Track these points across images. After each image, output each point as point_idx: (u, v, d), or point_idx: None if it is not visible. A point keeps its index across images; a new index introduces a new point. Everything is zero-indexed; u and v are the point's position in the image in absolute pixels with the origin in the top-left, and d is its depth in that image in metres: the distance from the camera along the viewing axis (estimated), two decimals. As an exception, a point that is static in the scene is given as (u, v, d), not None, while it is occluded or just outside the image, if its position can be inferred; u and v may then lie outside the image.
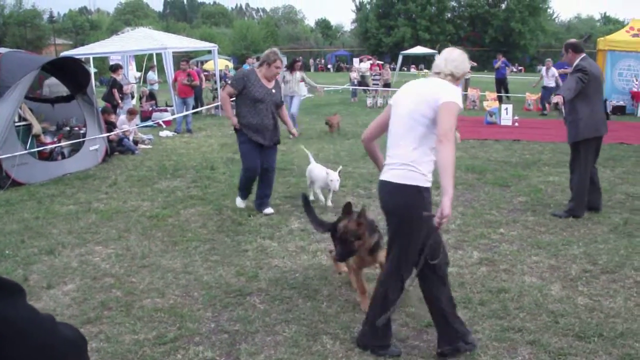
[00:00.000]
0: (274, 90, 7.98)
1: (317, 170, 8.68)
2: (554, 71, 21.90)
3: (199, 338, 4.60)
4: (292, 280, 5.78)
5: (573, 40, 8.17)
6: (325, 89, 29.89)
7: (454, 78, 4.22)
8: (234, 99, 8.11)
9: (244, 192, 8.36)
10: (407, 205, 4.05)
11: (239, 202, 8.41)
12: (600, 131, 7.84)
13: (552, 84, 21.43)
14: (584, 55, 7.84)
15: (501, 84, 25.59)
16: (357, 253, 4.88)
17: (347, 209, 5.04)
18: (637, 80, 21.23)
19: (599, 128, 7.81)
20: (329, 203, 8.54)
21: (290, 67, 16.20)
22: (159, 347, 4.45)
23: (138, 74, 24.24)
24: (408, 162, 4.01)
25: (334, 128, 16.48)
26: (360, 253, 4.89)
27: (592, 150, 7.90)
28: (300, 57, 16.17)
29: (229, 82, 8.73)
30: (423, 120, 3.98)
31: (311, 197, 8.45)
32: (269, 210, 8.16)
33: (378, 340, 4.28)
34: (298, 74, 16.33)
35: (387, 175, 4.18)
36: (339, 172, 8.57)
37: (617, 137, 15.11)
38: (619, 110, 21.39)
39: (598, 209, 8.04)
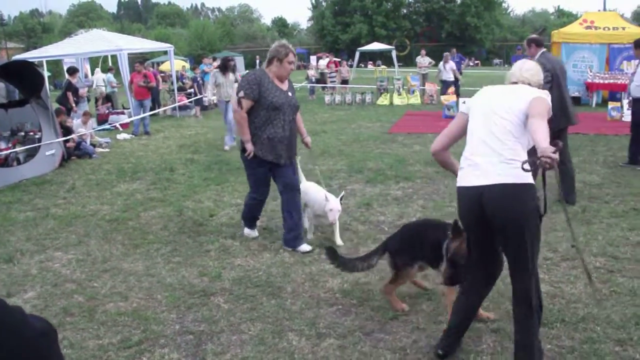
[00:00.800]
0: (290, 93, 6.55)
1: (313, 192, 6.96)
2: (452, 64, 22.81)
3: (164, 340, 4.58)
4: (255, 278, 5.78)
5: (534, 35, 8.37)
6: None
7: (530, 86, 4.06)
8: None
9: (252, 222, 7.08)
10: (531, 206, 3.73)
11: (249, 232, 7.07)
12: (572, 120, 8.10)
13: (451, 78, 22.61)
14: (543, 50, 8.03)
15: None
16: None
17: (456, 228, 4.36)
18: (591, 72, 21.62)
19: (570, 118, 8.05)
20: (338, 240, 6.67)
21: (223, 68, 13.96)
22: (124, 351, 4.42)
23: (105, 76, 23.81)
24: (510, 158, 3.73)
25: None
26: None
27: (565, 138, 8.12)
28: (233, 57, 14.80)
29: (241, 93, 6.28)
30: (522, 117, 3.77)
31: (309, 235, 7.03)
32: (305, 247, 6.52)
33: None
34: (231, 76, 13.90)
35: (492, 178, 3.73)
36: (341, 199, 6.81)
37: (572, 128, 15.24)
38: (575, 101, 21.61)
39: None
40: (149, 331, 4.71)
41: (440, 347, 4.13)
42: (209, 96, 12.76)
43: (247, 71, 6.34)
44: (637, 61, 11.10)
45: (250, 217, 7.01)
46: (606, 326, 4.57)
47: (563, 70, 8.16)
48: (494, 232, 3.85)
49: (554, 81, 7.77)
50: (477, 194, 3.77)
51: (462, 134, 4.12)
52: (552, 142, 3.35)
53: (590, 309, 4.91)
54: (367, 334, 4.60)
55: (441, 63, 23.37)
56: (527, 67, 4.20)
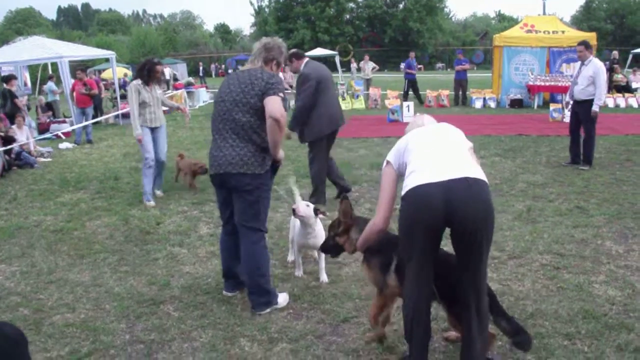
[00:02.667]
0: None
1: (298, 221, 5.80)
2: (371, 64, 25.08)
3: (114, 350, 4.51)
4: (205, 285, 5.75)
5: (293, 50, 8.70)
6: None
7: None
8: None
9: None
10: (493, 206, 3.69)
11: (285, 298, 5.33)
12: (336, 124, 8.58)
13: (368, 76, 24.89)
14: (306, 60, 8.48)
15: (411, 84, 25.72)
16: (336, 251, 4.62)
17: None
18: (532, 74, 22.14)
19: (334, 122, 8.52)
20: (324, 277, 5.78)
21: (147, 78, 9.08)
22: (73, 363, 4.35)
23: (55, 88, 23.20)
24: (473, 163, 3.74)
25: (188, 176, 10.03)
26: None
27: (329, 142, 8.64)
28: (160, 61, 9.26)
29: (277, 91, 4.90)
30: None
31: (289, 257, 6.38)
32: (282, 301, 5.28)
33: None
34: (158, 90, 9.52)
35: (464, 171, 3.62)
36: (316, 213, 5.83)
37: (515, 129, 15.81)
38: (517, 103, 22.33)
39: (348, 189, 8.97)
40: (99, 342, 4.64)
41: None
42: (134, 123, 8.90)
43: (263, 75, 4.74)
44: (577, 64, 11.41)
45: (268, 268, 5.29)
46: (554, 321, 4.69)
47: (328, 77, 8.60)
48: (441, 239, 3.76)
49: (319, 88, 8.20)
50: (443, 192, 3.55)
51: (396, 188, 4.00)
52: None
53: (539, 304, 5.04)
54: (319, 337, 4.62)
55: (362, 62, 23.74)
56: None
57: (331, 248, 4.66)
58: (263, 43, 5.29)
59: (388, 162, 4.00)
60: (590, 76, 10.55)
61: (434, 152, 3.80)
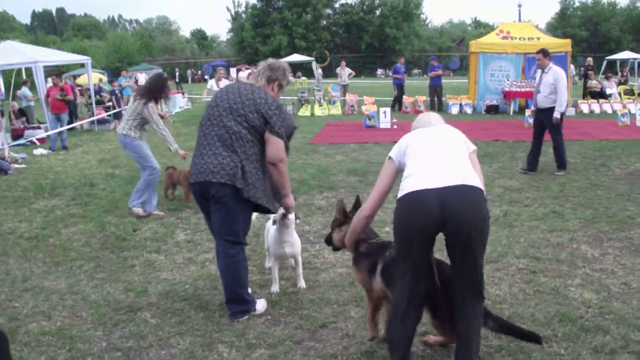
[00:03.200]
0: None
1: (272, 231, 5.75)
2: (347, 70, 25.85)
3: (91, 358, 4.47)
4: (182, 292, 5.72)
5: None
6: (204, 99, 29.65)
7: None
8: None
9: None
10: (488, 212, 3.77)
11: (263, 305, 5.30)
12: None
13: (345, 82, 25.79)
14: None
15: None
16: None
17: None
18: (508, 80, 22.33)
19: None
20: (302, 283, 5.77)
21: (160, 96, 8.86)
22: (49, 371, 4.30)
23: (29, 94, 22.83)
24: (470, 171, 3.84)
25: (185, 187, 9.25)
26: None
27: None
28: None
29: (280, 131, 4.85)
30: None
31: (267, 264, 6.30)
32: (260, 306, 5.26)
33: None
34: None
35: (460, 179, 3.70)
36: (297, 219, 5.91)
37: (492, 135, 15.97)
38: (493, 109, 22.52)
39: None
40: (75, 350, 4.59)
41: None
42: (170, 139, 8.63)
43: (267, 98, 4.89)
44: (539, 72, 11.56)
45: (246, 278, 5.21)
46: (531, 324, 4.72)
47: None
48: (434, 242, 3.81)
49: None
50: (439, 198, 3.61)
51: (393, 183, 4.12)
52: None
53: (515, 308, 5.08)
54: (297, 343, 4.61)
55: (339, 68, 23.95)
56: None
57: (331, 241, 4.80)
58: (268, 63, 5.27)
59: (390, 158, 4.09)
60: (551, 83, 10.69)
61: (433, 157, 3.87)
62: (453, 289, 3.85)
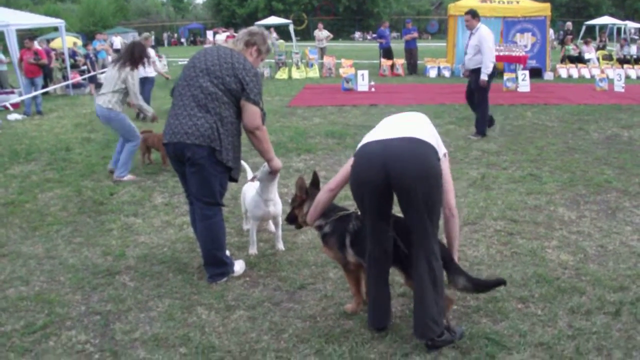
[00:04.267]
0: None
1: (250, 193, 5.79)
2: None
3: (71, 322, 4.46)
4: (160, 255, 5.71)
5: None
6: (180, 62, 29.40)
7: None
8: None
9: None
10: (437, 166, 3.74)
11: (241, 266, 5.31)
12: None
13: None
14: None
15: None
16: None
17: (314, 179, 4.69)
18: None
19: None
20: (280, 245, 5.81)
21: (139, 62, 8.66)
22: (29, 336, 4.27)
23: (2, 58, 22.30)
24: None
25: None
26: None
27: None
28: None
29: (261, 103, 4.89)
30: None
31: (244, 226, 6.37)
32: (239, 268, 5.26)
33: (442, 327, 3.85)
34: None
35: (407, 133, 3.78)
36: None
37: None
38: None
39: None
40: (54, 314, 4.57)
41: (371, 321, 4.13)
42: (146, 106, 8.92)
43: (245, 64, 4.80)
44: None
45: (224, 240, 5.21)
46: (509, 285, 4.75)
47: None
48: (390, 197, 3.84)
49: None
50: (382, 148, 3.73)
51: None
52: None
53: (493, 269, 5.14)
54: (276, 304, 4.63)
55: (316, 30, 24.06)
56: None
57: (294, 219, 4.72)
58: (249, 29, 5.21)
59: (362, 142, 4.05)
60: (476, 45, 10.70)
61: (389, 124, 3.99)
62: None
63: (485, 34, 10.69)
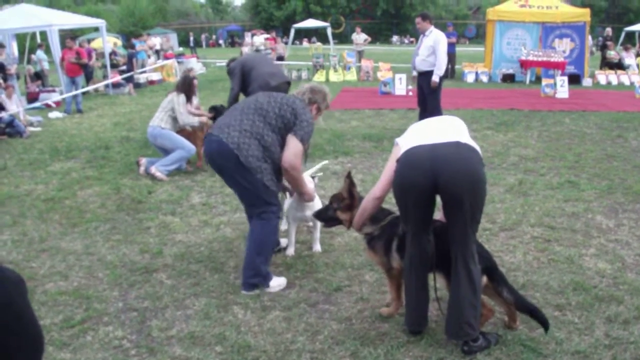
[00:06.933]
0: None
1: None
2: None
3: (108, 318, 4.53)
4: (197, 254, 5.76)
5: None
6: (218, 64, 29.62)
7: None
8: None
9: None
10: (483, 172, 3.76)
11: (280, 282, 5.06)
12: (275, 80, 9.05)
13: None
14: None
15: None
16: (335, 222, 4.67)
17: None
18: (525, 49, 22.08)
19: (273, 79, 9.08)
20: (317, 247, 5.82)
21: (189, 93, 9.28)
22: (67, 330, 4.35)
23: (45, 57, 22.70)
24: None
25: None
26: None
27: None
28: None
29: (303, 136, 4.79)
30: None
31: (283, 226, 6.17)
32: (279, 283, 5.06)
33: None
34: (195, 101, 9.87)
35: (454, 137, 3.82)
36: (314, 179, 6.17)
37: (508, 104, 15.86)
38: (509, 78, 22.33)
39: None
40: (92, 309, 4.65)
41: (409, 324, 4.14)
42: (190, 120, 9.08)
43: (306, 110, 4.94)
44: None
45: (269, 249, 5.13)
46: (545, 292, 4.73)
47: (255, 58, 9.62)
48: (434, 201, 3.87)
49: (244, 70, 9.13)
50: (430, 152, 3.73)
51: None
52: None
53: (530, 276, 5.08)
54: (312, 306, 4.65)
55: (354, 34, 24.00)
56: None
57: (328, 218, 4.70)
58: (311, 85, 5.35)
59: (397, 144, 4.09)
60: (430, 46, 10.73)
61: (429, 128, 4.03)
62: None
63: (440, 35, 10.86)
